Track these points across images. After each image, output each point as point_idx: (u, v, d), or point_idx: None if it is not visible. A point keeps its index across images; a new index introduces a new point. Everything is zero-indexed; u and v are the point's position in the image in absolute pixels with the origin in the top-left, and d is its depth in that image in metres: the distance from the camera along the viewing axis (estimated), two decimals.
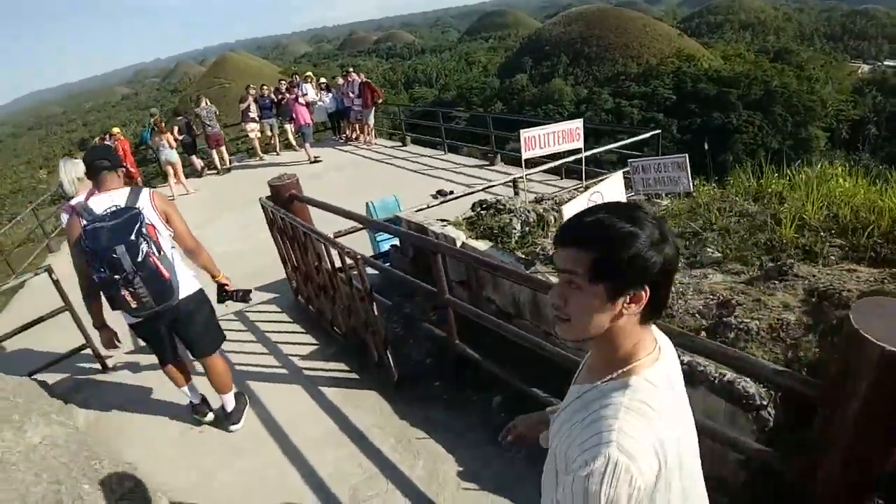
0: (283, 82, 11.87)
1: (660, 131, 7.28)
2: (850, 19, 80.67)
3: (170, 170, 11.01)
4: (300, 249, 3.84)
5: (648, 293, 0.88)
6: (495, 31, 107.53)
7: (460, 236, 3.36)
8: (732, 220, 3.07)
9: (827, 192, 3.15)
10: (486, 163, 9.39)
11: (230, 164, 11.53)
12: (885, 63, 61.19)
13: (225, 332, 3.23)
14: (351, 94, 11.47)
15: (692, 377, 2.04)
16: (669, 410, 0.91)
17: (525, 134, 5.36)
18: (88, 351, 4.12)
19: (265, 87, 11.91)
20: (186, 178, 10.55)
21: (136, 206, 2.59)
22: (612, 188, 3.42)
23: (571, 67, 65.23)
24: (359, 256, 3.05)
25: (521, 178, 5.34)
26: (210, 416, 3.27)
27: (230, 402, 3.19)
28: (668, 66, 54.90)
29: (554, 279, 2.64)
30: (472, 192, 4.62)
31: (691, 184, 3.70)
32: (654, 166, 3.91)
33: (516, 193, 5.21)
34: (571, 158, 6.12)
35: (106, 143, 10.93)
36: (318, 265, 3.70)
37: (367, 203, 4.69)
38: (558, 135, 5.48)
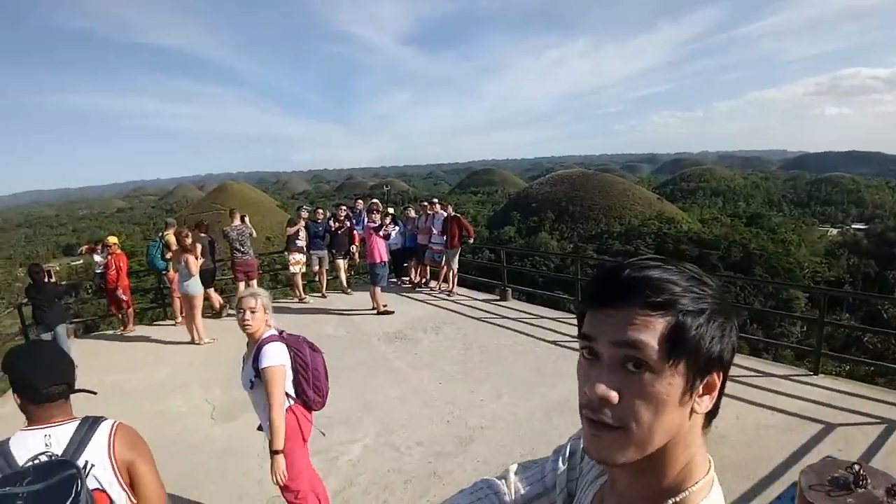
0: (343, 209, 8.98)
1: None
2: (815, 186, 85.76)
3: (178, 304, 7.63)
4: None
5: (722, 379, 0.56)
6: (483, 187, 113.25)
7: None
8: None
9: None
10: None
11: None
12: (854, 226, 63.29)
13: None
14: (434, 230, 8.69)
15: None
16: None
17: None
18: None
19: (320, 211, 8.95)
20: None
21: (78, 461, 1.29)
22: None
23: (557, 223, 66.50)
24: None
25: None
26: None
27: None
28: (650, 226, 55.97)
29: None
30: None
31: None
32: None
33: None
34: None
35: (97, 254, 7.75)
36: None
37: None
38: None
